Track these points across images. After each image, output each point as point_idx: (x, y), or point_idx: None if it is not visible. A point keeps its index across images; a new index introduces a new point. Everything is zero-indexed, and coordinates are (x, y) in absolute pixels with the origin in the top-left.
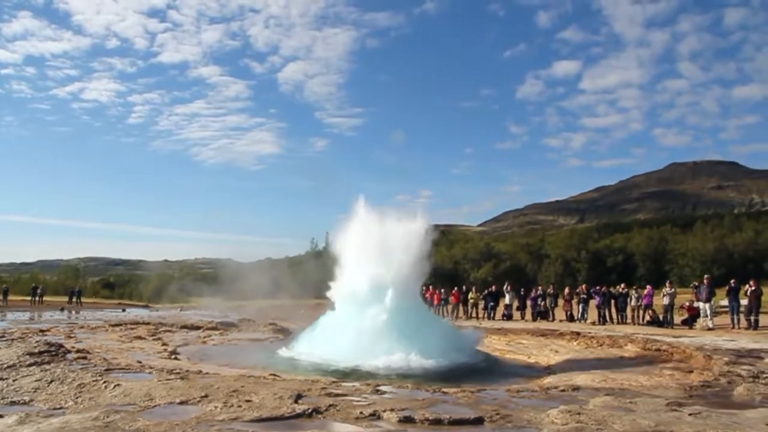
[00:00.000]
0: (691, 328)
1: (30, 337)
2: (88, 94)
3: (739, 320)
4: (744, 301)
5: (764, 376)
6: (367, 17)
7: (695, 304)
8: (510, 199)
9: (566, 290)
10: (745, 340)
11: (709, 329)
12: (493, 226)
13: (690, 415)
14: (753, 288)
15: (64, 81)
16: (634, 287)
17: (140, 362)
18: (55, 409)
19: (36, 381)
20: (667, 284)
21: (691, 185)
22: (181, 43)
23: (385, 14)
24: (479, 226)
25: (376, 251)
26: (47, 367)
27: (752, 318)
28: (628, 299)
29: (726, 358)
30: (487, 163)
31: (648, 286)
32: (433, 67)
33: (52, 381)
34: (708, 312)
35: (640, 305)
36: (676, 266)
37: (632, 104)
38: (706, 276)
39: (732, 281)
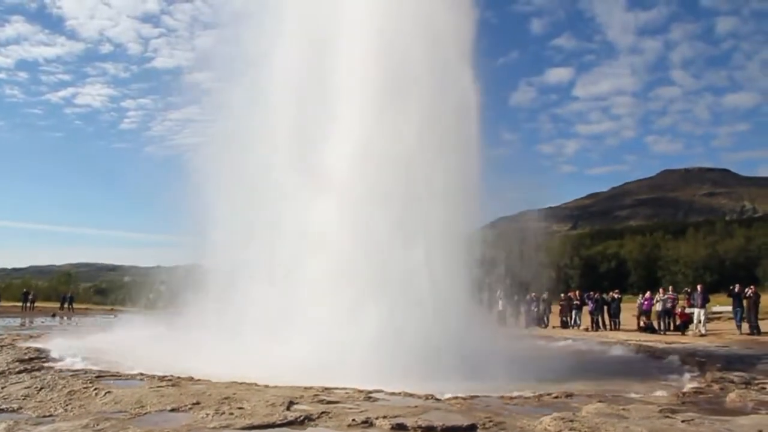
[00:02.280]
0: (683, 334)
1: (20, 344)
2: (81, 99)
3: (741, 326)
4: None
5: (756, 382)
6: None
7: (687, 311)
8: (503, 205)
9: (561, 296)
10: (737, 347)
11: (702, 335)
12: (486, 232)
13: (683, 421)
14: (751, 294)
15: (56, 86)
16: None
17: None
18: (44, 416)
19: (25, 388)
20: (660, 291)
21: (683, 192)
22: (175, 48)
23: None
24: (473, 232)
25: None
26: (37, 374)
27: (754, 323)
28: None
29: (718, 364)
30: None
31: (648, 292)
32: None
33: (41, 388)
34: (702, 318)
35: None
36: (668, 272)
37: (625, 111)
38: (699, 284)
39: (736, 287)
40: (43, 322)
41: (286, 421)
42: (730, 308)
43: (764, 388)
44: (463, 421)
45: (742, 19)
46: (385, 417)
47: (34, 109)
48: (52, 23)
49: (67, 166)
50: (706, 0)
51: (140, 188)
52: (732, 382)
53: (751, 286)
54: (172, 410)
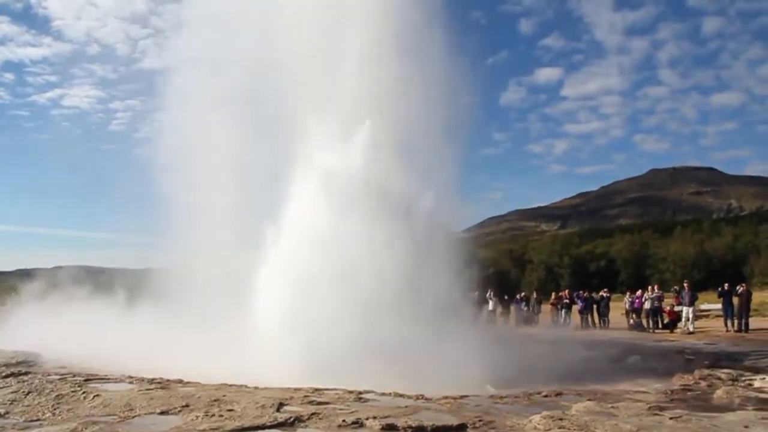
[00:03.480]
0: (671, 332)
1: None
2: (68, 100)
3: (733, 323)
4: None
5: (743, 379)
6: None
7: (676, 308)
8: (493, 205)
9: (553, 296)
10: (725, 344)
11: (690, 333)
12: (476, 232)
13: (671, 418)
14: (742, 291)
15: (43, 87)
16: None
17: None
18: (31, 421)
19: (12, 392)
20: (648, 289)
21: (670, 191)
22: (163, 49)
23: None
24: (462, 232)
25: None
26: (24, 378)
27: (743, 321)
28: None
29: (706, 362)
30: (470, 169)
31: (639, 291)
32: None
33: (29, 392)
34: (690, 316)
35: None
36: (657, 271)
37: (613, 111)
38: (685, 281)
39: (726, 285)
40: None
41: (276, 422)
42: (717, 306)
43: (751, 385)
44: (453, 420)
45: (729, 19)
46: (375, 417)
47: (20, 111)
48: (38, 24)
49: (55, 169)
50: (693, 0)
51: (127, 190)
52: (719, 379)
53: (742, 284)
54: (162, 413)
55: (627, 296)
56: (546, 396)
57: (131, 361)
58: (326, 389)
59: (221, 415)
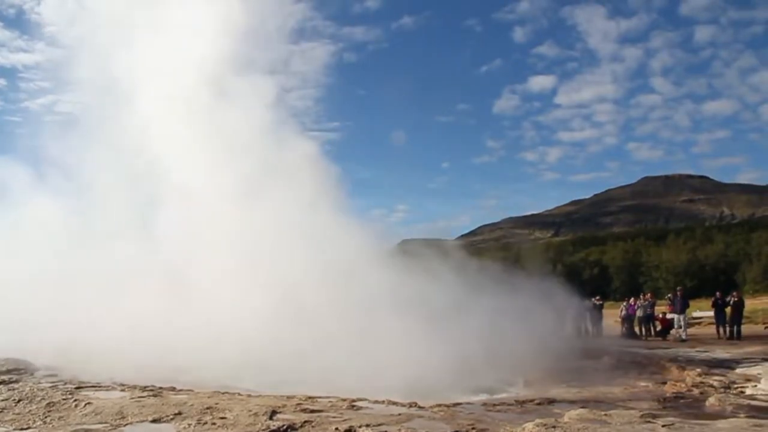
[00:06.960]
0: (664, 339)
1: None
2: (61, 106)
3: (725, 331)
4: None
5: (735, 386)
6: (345, 31)
7: (669, 316)
8: (486, 213)
9: None
10: (718, 351)
11: (682, 341)
12: (470, 240)
13: (663, 426)
14: (735, 299)
15: (36, 93)
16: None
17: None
18: (22, 429)
19: (3, 401)
20: (641, 296)
21: (663, 199)
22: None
23: (363, 28)
24: (456, 240)
25: None
26: (15, 386)
27: (735, 328)
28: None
29: (699, 369)
30: (463, 177)
31: (632, 299)
32: (410, 81)
33: (20, 400)
34: (681, 323)
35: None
36: (650, 278)
37: (606, 118)
38: (678, 288)
39: (718, 294)
40: None
41: (268, 430)
42: (710, 313)
43: (743, 392)
44: (447, 428)
45: (720, 27)
46: (368, 426)
47: (12, 117)
48: (31, 29)
49: (48, 174)
50: (685, 9)
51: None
52: (712, 386)
53: (734, 293)
54: (154, 421)
55: (623, 304)
56: (539, 404)
57: None
58: (319, 397)
59: (214, 423)
